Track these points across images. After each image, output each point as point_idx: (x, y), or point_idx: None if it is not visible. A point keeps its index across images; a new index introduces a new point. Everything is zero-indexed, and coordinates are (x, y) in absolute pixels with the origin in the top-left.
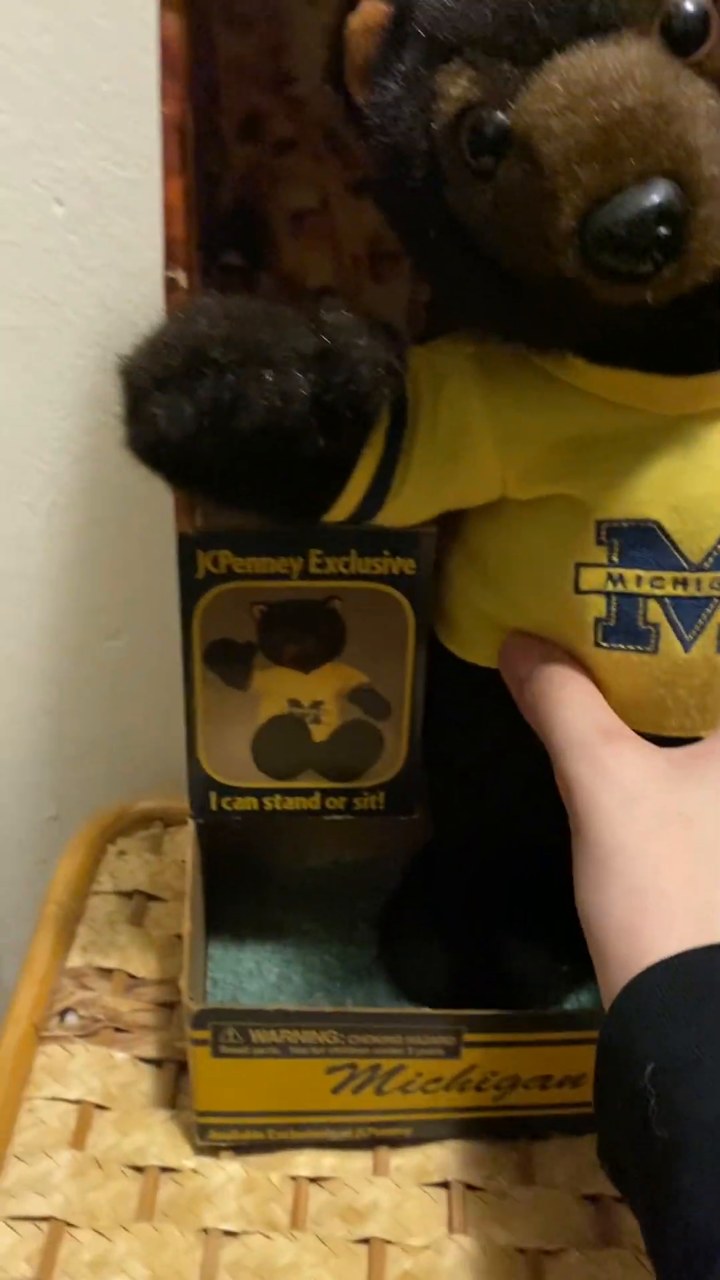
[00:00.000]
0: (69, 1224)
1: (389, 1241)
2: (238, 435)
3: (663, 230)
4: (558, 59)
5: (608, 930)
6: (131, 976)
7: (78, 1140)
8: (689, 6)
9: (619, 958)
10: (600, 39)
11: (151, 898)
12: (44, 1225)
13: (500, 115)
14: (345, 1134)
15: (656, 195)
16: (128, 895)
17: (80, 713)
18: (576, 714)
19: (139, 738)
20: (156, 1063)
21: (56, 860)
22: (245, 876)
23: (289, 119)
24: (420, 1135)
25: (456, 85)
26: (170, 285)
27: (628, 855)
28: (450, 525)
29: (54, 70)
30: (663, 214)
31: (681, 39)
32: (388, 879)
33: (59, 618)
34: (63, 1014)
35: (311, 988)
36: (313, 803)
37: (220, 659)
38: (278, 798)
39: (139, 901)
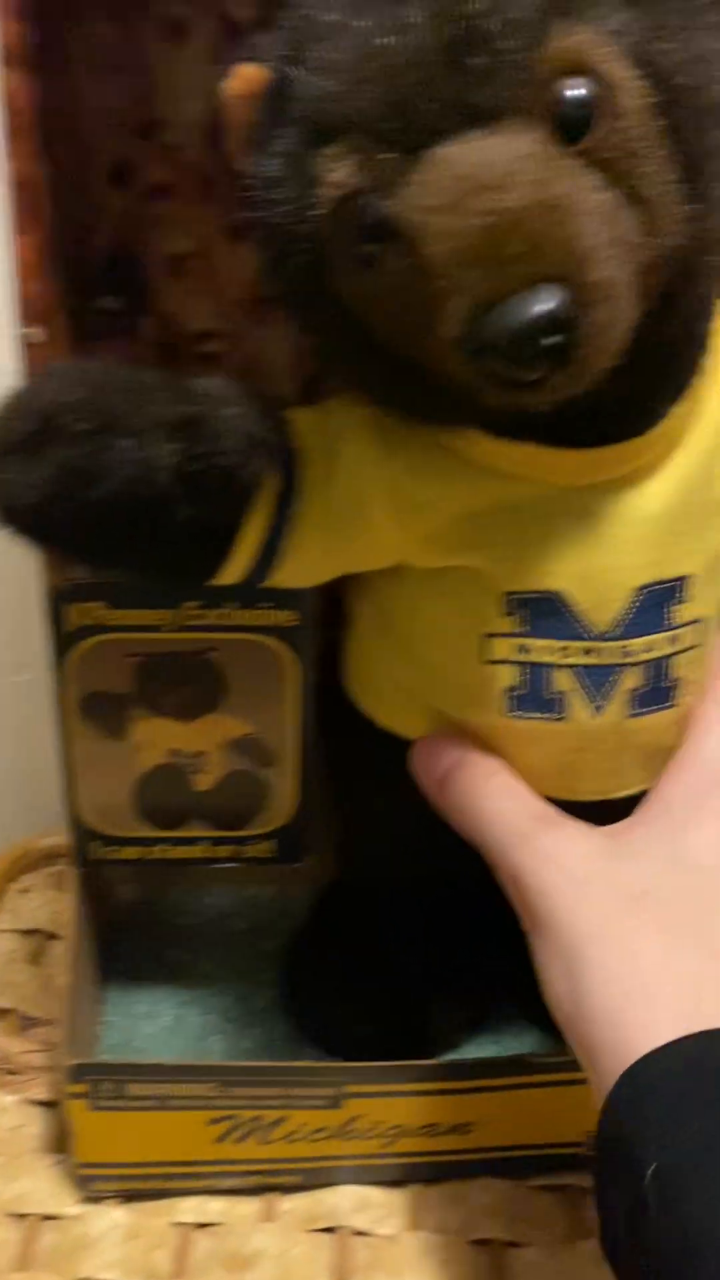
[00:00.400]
0: None
1: None
2: (95, 504)
3: (552, 339)
4: (442, 149)
5: (591, 1019)
6: (26, 1017)
7: None
8: (576, 92)
9: (608, 1046)
10: (486, 128)
11: (52, 936)
12: None
13: (384, 205)
14: (233, 1182)
15: (546, 303)
16: (28, 934)
17: None
18: (507, 805)
19: (45, 774)
20: (48, 1105)
21: None
22: (144, 915)
23: (161, 165)
24: (310, 1182)
25: (338, 171)
26: (27, 344)
27: (596, 941)
28: (360, 584)
29: None
30: (551, 322)
31: (569, 128)
32: (292, 917)
33: None
34: None
35: (207, 1030)
36: (200, 851)
37: (97, 710)
38: (163, 846)
39: (39, 940)
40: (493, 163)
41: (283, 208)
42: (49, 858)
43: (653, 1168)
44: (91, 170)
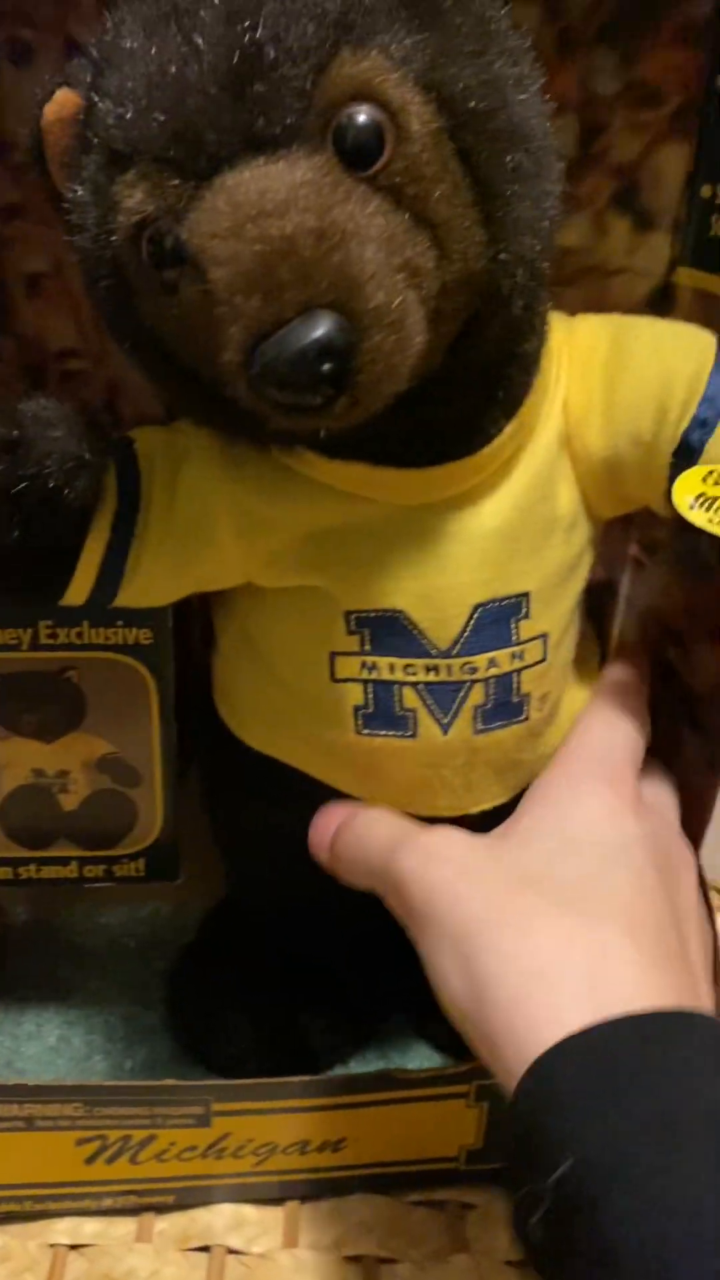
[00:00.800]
0: None
1: None
2: None
3: (327, 366)
4: (226, 176)
5: (493, 1006)
6: None
7: None
8: (360, 118)
9: (512, 1036)
10: (270, 155)
11: None
12: None
13: (176, 231)
14: (106, 1202)
15: (318, 329)
16: None
17: None
18: (381, 826)
19: None
20: None
21: None
22: (36, 935)
23: (12, 185)
24: (184, 1201)
25: (132, 197)
26: None
27: (489, 926)
28: (224, 603)
29: None
30: (324, 349)
31: (354, 154)
32: (187, 935)
33: None
34: None
35: (91, 1050)
36: (70, 871)
37: None
38: (33, 866)
39: None
40: (271, 190)
41: (89, 232)
42: None
43: (566, 1165)
44: None
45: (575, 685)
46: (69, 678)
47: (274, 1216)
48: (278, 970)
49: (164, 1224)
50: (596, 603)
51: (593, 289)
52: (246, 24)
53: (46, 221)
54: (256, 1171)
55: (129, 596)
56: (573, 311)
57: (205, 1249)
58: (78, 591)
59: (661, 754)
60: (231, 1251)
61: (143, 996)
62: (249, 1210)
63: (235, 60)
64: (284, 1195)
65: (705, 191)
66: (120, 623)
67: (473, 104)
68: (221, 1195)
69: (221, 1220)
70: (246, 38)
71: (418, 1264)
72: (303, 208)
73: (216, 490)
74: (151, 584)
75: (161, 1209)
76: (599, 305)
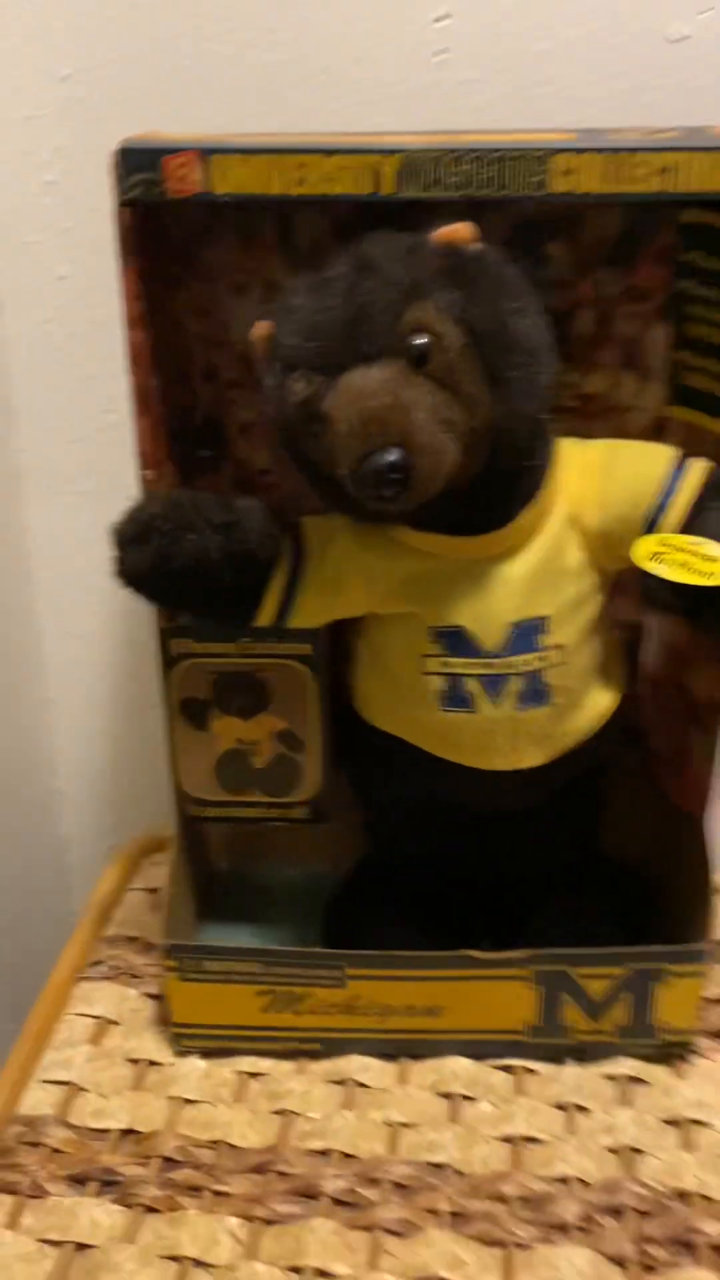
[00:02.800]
0: (82, 1088)
1: (295, 1112)
2: (175, 573)
3: (395, 475)
4: (347, 375)
5: None
6: (147, 944)
7: (95, 1040)
8: (419, 341)
9: None
10: (370, 363)
11: None
12: (65, 1087)
13: (320, 404)
14: (276, 1046)
15: (390, 456)
16: (152, 891)
17: (131, 765)
18: None
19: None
20: (158, 998)
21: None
22: (235, 879)
23: (233, 368)
24: (328, 1051)
25: (298, 386)
26: (144, 480)
27: None
28: (356, 627)
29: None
30: (392, 467)
31: (416, 361)
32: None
33: (118, 691)
34: (96, 964)
35: None
36: (258, 812)
37: (189, 711)
38: (235, 808)
39: (160, 896)
40: (370, 381)
41: (275, 407)
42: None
43: None
44: (191, 371)
45: (599, 688)
46: (259, 676)
47: (392, 1067)
48: (405, 901)
49: (314, 1066)
50: (631, 636)
51: (612, 421)
52: (359, 293)
53: (254, 389)
54: (379, 1029)
55: (296, 621)
56: (599, 436)
57: (341, 1082)
58: (265, 617)
59: (671, 752)
60: (360, 1085)
61: (309, 921)
62: (373, 1060)
63: (352, 314)
64: (398, 1052)
65: (680, 356)
66: (291, 640)
67: (484, 328)
68: (354, 1049)
69: (354, 1065)
70: (358, 300)
71: (493, 1104)
72: (384, 393)
73: (350, 554)
74: (310, 614)
75: (314, 1055)
76: (618, 432)
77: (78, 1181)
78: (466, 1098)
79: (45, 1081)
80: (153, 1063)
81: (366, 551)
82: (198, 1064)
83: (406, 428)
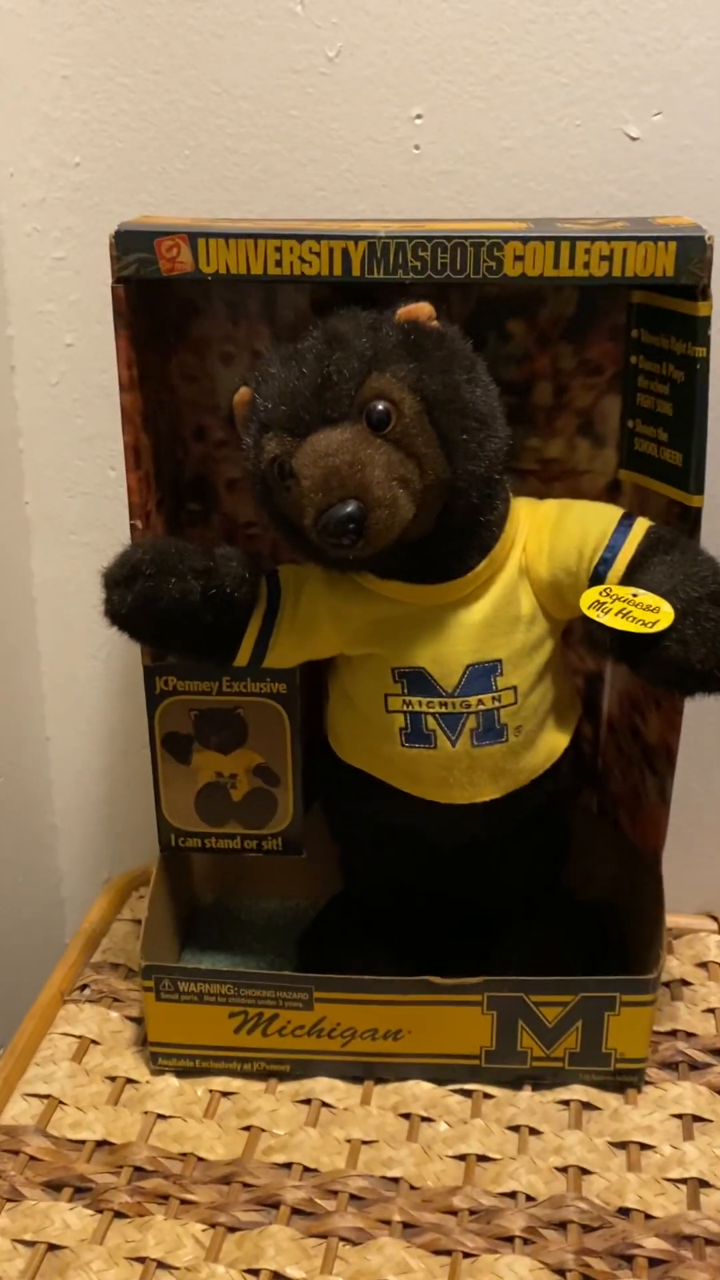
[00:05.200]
0: (61, 1102)
1: (262, 1129)
2: (159, 614)
3: (352, 525)
4: (313, 436)
5: None
6: (130, 970)
7: (76, 1058)
8: (379, 407)
9: None
10: (333, 426)
11: None
12: (45, 1100)
13: (290, 462)
14: (247, 1066)
15: (347, 508)
16: (138, 922)
17: (125, 801)
18: None
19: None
20: (138, 1021)
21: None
22: (217, 912)
23: (220, 429)
24: (296, 1073)
25: (270, 446)
26: (134, 529)
27: None
28: (330, 668)
29: None
30: (351, 518)
31: (375, 425)
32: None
33: (113, 730)
34: (82, 987)
35: None
36: (235, 844)
37: (172, 745)
38: (213, 839)
39: None
40: (332, 442)
41: (252, 461)
42: None
43: None
44: (182, 431)
45: (552, 728)
46: (238, 713)
47: (356, 1088)
48: (375, 932)
49: (283, 1086)
50: (591, 687)
51: (569, 483)
52: (326, 363)
53: (240, 448)
54: (344, 1052)
55: (271, 661)
56: (558, 496)
57: (307, 1101)
58: (242, 658)
59: (629, 793)
60: (325, 1104)
61: (286, 953)
62: (339, 1082)
63: (319, 382)
64: (363, 1074)
65: (630, 424)
66: (267, 679)
67: (438, 396)
68: (322, 1070)
69: (320, 1086)
70: (325, 370)
71: (449, 1124)
72: (344, 451)
73: (321, 599)
74: (284, 655)
75: (283, 1076)
76: (575, 493)
77: (53, 1187)
78: (425, 1118)
79: (28, 1095)
80: (130, 1080)
81: (336, 597)
82: (172, 1082)
83: (364, 483)
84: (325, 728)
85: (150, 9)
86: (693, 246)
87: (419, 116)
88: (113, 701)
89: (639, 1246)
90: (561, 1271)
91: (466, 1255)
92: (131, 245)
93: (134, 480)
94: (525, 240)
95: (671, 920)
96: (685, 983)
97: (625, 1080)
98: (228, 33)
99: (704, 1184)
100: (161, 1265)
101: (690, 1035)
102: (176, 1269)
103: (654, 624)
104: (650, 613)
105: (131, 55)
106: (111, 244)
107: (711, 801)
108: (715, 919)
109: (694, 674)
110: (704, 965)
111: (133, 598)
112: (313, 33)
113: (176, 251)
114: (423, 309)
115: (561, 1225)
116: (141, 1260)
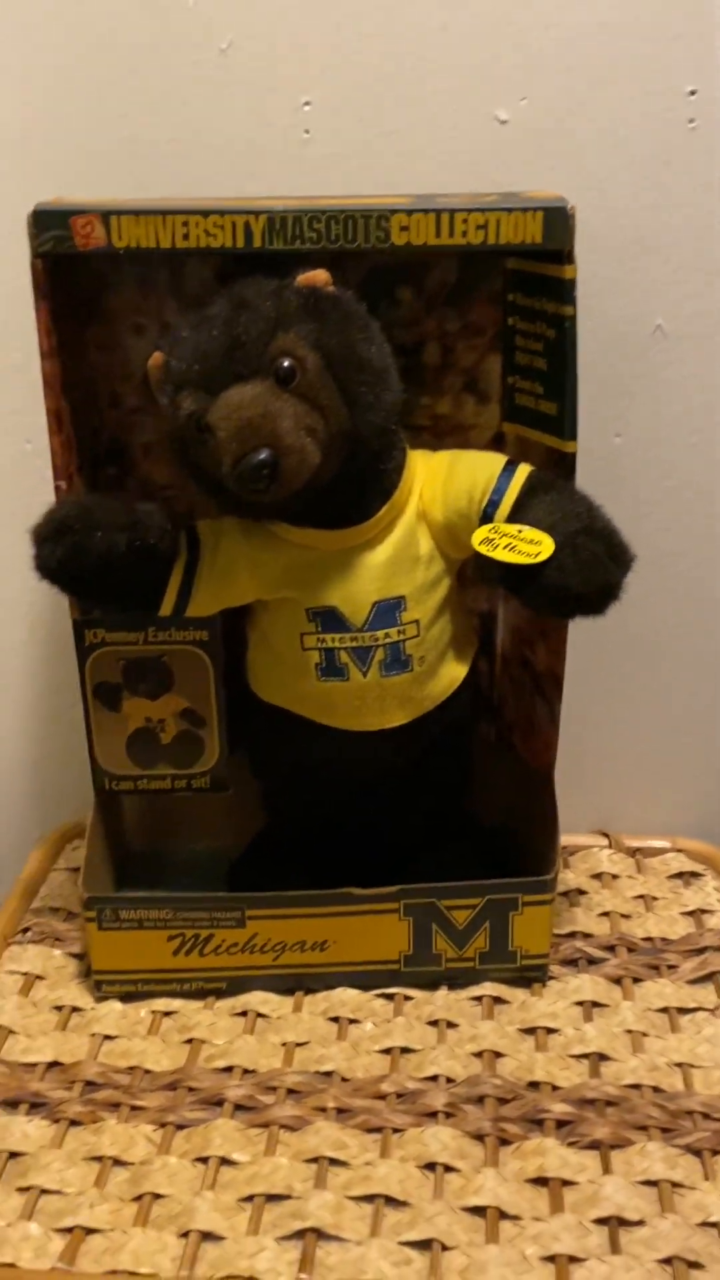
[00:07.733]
0: (11, 1031)
1: (203, 1040)
2: (87, 567)
3: (266, 471)
4: (226, 392)
5: None
6: (70, 913)
7: (24, 992)
8: (285, 364)
9: None
10: (244, 382)
11: None
12: None
13: (205, 416)
14: (186, 986)
15: (260, 455)
16: (75, 870)
17: (55, 760)
18: None
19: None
20: (80, 957)
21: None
22: (148, 858)
23: (134, 396)
24: (232, 989)
25: (186, 403)
26: (58, 490)
27: None
28: (249, 613)
29: None
30: (264, 464)
31: (282, 380)
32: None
33: (41, 692)
34: (24, 930)
35: None
36: (166, 784)
37: (103, 694)
38: (145, 780)
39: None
40: (244, 396)
41: (171, 420)
42: None
43: None
44: (98, 399)
45: (452, 658)
46: (164, 661)
47: (288, 999)
48: (298, 862)
49: (220, 1003)
50: (485, 626)
51: (458, 437)
52: (235, 326)
53: (154, 414)
54: (276, 965)
55: (193, 610)
56: (448, 449)
57: (244, 1014)
58: (165, 607)
59: (523, 719)
60: (260, 1015)
61: (216, 889)
62: (272, 995)
63: (229, 343)
64: (294, 986)
65: (510, 380)
66: (191, 627)
67: (337, 353)
68: (256, 985)
69: (255, 999)
70: (234, 332)
71: (375, 1024)
72: (255, 405)
73: (239, 548)
74: (205, 603)
75: (219, 993)
76: (463, 445)
77: (10, 1105)
78: (352, 1020)
79: None
80: (75, 1009)
81: (252, 546)
82: (116, 1006)
83: (275, 432)
84: (246, 674)
85: (54, 8)
86: (557, 216)
87: (308, 104)
88: (41, 666)
89: (548, 1111)
90: (480, 1137)
91: (395, 1130)
92: (48, 223)
93: (57, 444)
94: (409, 212)
95: (567, 839)
96: (581, 891)
97: (531, 975)
98: (125, 28)
99: (603, 1057)
100: (118, 1162)
101: (587, 935)
102: (131, 1164)
103: (537, 555)
104: (533, 545)
105: (41, 54)
106: (29, 222)
107: (598, 726)
108: (606, 835)
109: (572, 597)
110: (598, 876)
111: (62, 551)
112: (205, 26)
113: (91, 229)
114: (320, 275)
115: (479, 1100)
116: (99, 1159)
